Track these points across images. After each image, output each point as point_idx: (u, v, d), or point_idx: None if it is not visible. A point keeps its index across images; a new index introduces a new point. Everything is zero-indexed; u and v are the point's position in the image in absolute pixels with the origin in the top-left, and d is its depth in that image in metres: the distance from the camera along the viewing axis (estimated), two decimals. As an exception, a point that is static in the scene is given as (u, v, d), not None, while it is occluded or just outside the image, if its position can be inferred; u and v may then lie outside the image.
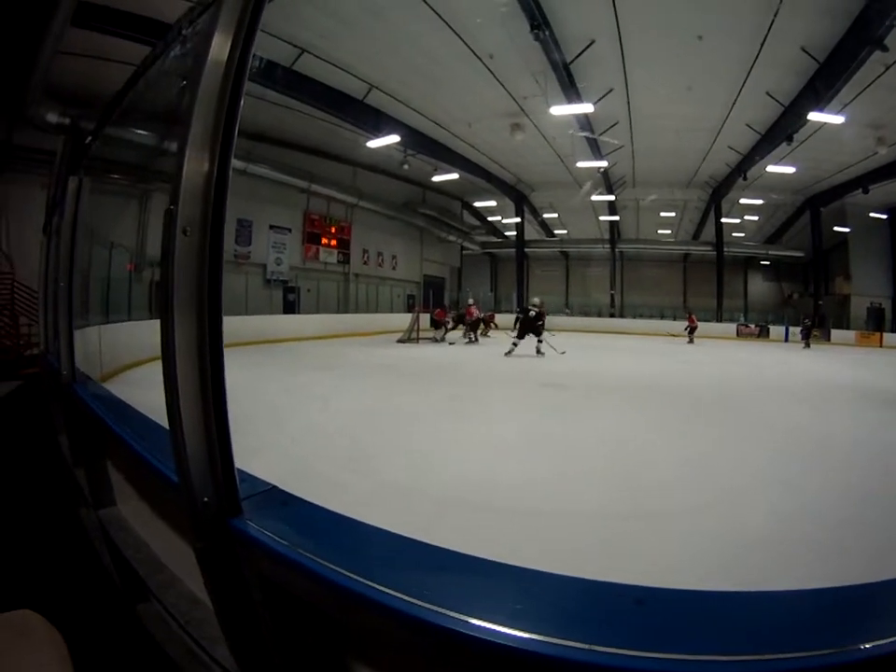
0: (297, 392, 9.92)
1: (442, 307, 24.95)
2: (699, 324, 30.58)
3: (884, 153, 24.44)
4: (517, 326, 20.45)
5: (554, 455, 6.35)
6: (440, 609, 1.16)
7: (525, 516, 4.49)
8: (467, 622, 1.12)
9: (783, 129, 22.27)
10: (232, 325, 12.87)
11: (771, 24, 16.03)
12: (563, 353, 18.87)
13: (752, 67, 18.66)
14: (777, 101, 20.77)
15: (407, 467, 5.75)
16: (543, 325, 19.72)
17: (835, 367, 18.73)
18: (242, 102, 1.53)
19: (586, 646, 1.04)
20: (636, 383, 13.12)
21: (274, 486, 1.88)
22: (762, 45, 17.18)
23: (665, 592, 1.33)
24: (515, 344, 19.03)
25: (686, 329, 30.03)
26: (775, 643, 1.09)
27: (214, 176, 1.48)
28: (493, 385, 11.96)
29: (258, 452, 5.40)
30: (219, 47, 1.56)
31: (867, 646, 1.05)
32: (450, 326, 23.94)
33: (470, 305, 23.82)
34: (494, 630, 1.10)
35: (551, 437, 7.17)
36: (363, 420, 7.79)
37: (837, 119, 19.53)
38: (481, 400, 9.98)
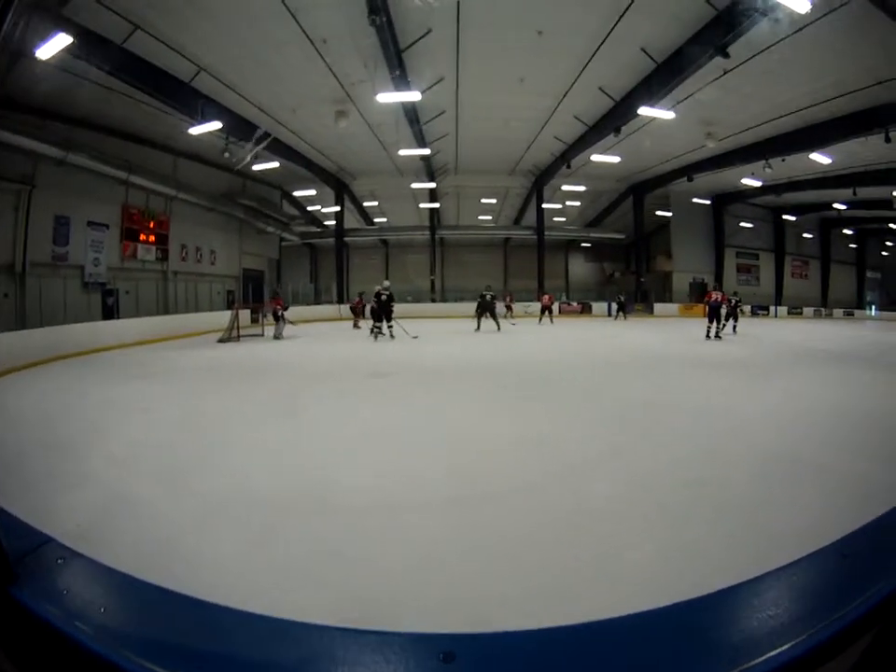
0: (117, 406, 9.04)
1: (277, 296, 23.66)
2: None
3: (712, 146, 26.53)
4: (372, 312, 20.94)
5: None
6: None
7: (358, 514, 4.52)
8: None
9: (612, 121, 23.48)
10: (51, 337, 11.88)
11: (615, 25, 16.75)
12: (415, 337, 19.68)
13: (588, 63, 19.44)
14: (608, 95, 21.79)
15: (236, 476, 5.52)
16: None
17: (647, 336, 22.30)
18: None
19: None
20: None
21: (51, 539, 1.49)
22: (601, 43, 17.93)
23: (483, 639, 1.18)
24: (378, 328, 20.13)
25: (543, 310, 29.95)
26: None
27: None
28: (320, 380, 11.85)
29: (78, 484, 5.17)
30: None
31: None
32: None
33: None
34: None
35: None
36: (186, 431, 7.43)
37: (668, 115, 20.66)
38: (309, 398, 9.83)
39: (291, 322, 21.87)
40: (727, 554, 3.53)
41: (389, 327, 20.05)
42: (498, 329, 22.70)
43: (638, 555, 3.65)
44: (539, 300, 31.55)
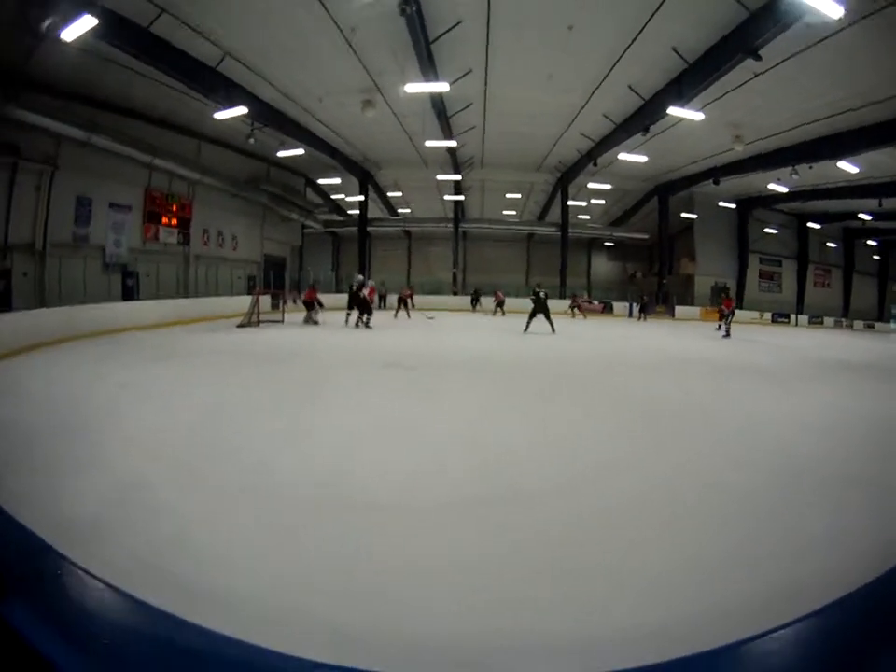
0: (134, 389, 8.78)
1: (313, 287, 23.53)
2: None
3: (740, 150, 26.23)
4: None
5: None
6: None
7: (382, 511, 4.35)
8: None
9: (640, 121, 23.19)
10: (69, 316, 11.84)
11: (646, 24, 16.55)
12: (431, 318, 22.21)
13: (618, 61, 19.21)
14: (637, 94, 21.55)
15: (253, 468, 5.29)
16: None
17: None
18: None
19: None
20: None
21: (50, 547, 1.36)
22: (632, 41, 17.69)
23: None
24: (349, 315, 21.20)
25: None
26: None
27: None
28: (340, 368, 11.74)
29: (87, 471, 4.95)
30: None
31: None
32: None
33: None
34: None
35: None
36: (203, 416, 7.23)
37: (698, 116, 20.45)
38: (332, 385, 9.69)
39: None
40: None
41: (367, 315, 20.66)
42: (553, 331, 20.21)
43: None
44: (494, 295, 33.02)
